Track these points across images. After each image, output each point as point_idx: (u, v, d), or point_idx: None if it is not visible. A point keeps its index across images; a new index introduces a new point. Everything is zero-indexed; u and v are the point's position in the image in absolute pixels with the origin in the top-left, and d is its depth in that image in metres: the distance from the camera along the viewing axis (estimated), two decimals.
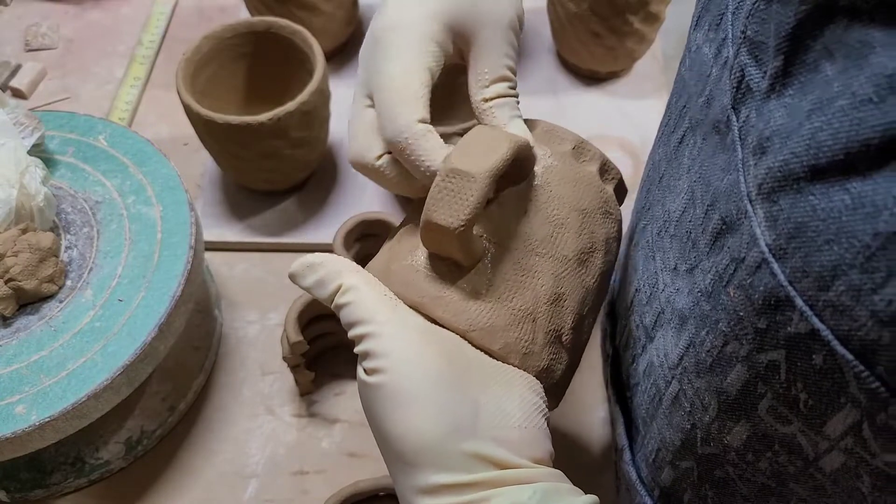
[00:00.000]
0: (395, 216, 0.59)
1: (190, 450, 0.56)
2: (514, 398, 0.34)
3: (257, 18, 0.65)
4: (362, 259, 0.60)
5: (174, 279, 0.50)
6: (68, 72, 0.79)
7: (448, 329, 0.35)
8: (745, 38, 0.28)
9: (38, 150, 0.56)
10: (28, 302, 0.49)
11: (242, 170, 0.64)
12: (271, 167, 0.63)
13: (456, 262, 0.35)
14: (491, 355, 0.35)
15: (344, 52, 0.79)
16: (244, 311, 0.62)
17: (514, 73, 0.39)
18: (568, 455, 0.55)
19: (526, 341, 0.35)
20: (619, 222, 0.41)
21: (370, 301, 0.33)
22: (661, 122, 0.42)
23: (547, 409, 0.35)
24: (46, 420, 0.44)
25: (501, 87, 0.38)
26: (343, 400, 0.58)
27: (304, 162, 0.65)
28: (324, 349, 0.59)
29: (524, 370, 0.35)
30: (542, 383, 0.36)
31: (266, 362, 0.59)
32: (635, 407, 0.43)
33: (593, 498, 0.33)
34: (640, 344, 0.42)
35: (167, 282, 0.50)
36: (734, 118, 0.29)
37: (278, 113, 0.58)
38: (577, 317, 0.37)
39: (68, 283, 0.50)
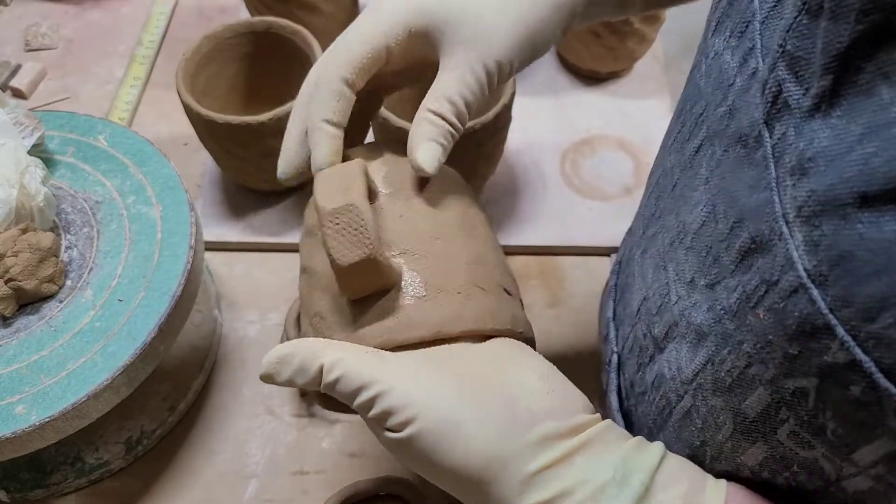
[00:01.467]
0: None
1: (190, 450, 0.56)
2: (527, 371, 0.34)
3: (257, 18, 0.65)
4: None
5: (174, 279, 0.50)
6: (68, 72, 0.79)
7: (422, 344, 0.35)
8: (783, 52, 0.27)
9: (38, 150, 0.56)
10: (28, 302, 0.49)
11: (242, 170, 0.64)
12: (271, 167, 0.63)
13: (382, 290, 0.35)
14: (471, 338, 0.35)
15: None
16: (244, 311, 0.62)
17: (467, 109, 0.38)
18: None
19: (485, 306, 0.36)
20: (471, 193, 0.42)
21: (360, 366, 0.32)
22: (672, 128, 0.41)
23: (552, 364, 0.36)
24: (46, 420, 0.44)
25: (447, 109, 0.38)
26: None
27: None
28: None
29: (501, 330, 0.36)
30: (519, 332, 0.37)
31: None
32: (639, 415, 0.43)
33: (661, 444, 0.34)
34: (647, 353, 0.41)
35: (167, 282, 0.50)
36: (766, 134, 0.28)
37: (278, 113, 0.58)
38: (503, 267, 0.39)
39: (68, 283, 0.50)
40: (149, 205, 0.54)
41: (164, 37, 0.82)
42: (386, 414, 0.32)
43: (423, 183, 0.39)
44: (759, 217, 0.28)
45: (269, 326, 0.61)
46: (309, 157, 0.40)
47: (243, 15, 0.79)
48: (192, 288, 0.51)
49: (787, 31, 0.27)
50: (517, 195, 0.68)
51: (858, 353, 0.24)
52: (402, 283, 0.35)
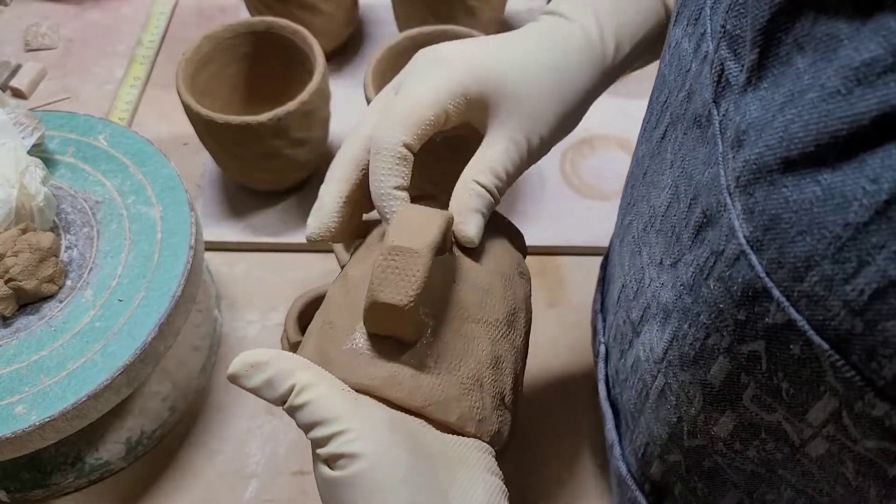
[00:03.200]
0: None
1: (190, 450, 0.56)
2: (479, 484, 0.33)
3: (257, 18, 0.65)
4: None
5: (174, 279, 0.50)
6: (68, 72, 0.79)
7: (402, 408, 0.34)
8: (724, 32, 0.29)
9: (38, 150, 0.56)
10: (28, 302, 0.49)
11: (242, 170, 0.64)
12: (271, 167, 0.63)
13: (398, 339, 0.35)
14: (447, 427, 0.35)
15: (344, 52, 0.79)
16: (244, 311, 0.62)
17: (508, 181, 0.40)
18: (560, 459, 0.55)
19: (477, 409, 0.35)
20: (530, 280, 0.43)
21: (330, 399, 0.32)
22: (644, 119, 0.42)
23: (506, 489, 0.35)
24: (46, 420, 0.44)
25: (492, 182, 0.39)
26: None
27: (304, 162, 0.65)
28: None
29: (479, 437, 0.35)
30: (494, 447, 0.36)
31: None
32: (624, 402, 0.43)
33: None
34: (626, 339, 0.42)
35: (167, 282, 0.50)
36: (715, 112, 0.29)
37: (278, 113, 0.58)
38: (514, 377, 0.38)
39: (68, 283, 0.50)
40: (149, 205, 0.54)
41: (164, 37, 0.82)
42: (334, 456, 0.31)
43: (498, 260, 0.39)
44: (709, 191, 0.29)
45: (270, 326, 0.61)
46: (341, 220, 0.41)
47: (243, 15, 0.79)
48: (192, 288, 0.51)
49: (727, 12, 0.28)
50: (517, 195, 0.68)
51: (793, 313, 0.25)
52: (420, 344, 0.35)
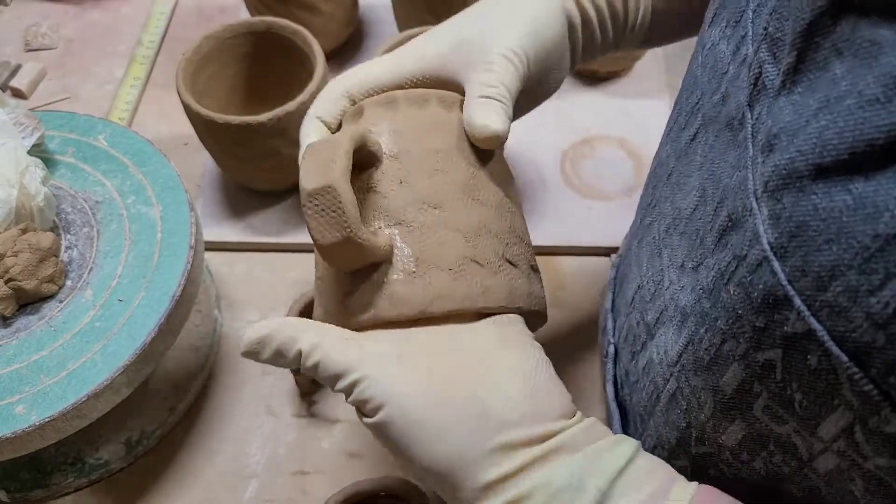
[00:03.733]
0: None
1: (190, 450, 0.56)
2: (508, 371, 0.33)
3: (257, 18, 0.65)
4: None
5: (174, 279, 0.50)
6: (68, 72, 0.79)
7: (409, 321, 0.34)
8: (766, 34, 0.28)
9: (38, 150, 0.56)
10: (28, 302, 0.49)
11: (242, 170, 0.64)
12: (271, 167, 0.63)
13: (373, 263, 0.35)
14: (463, 317, 0.35)
15: (344, 52, 0.79)
16: (244, 311, 0.62)
17: (510, 93, 0.39)
18: None
19: (477, 282, 0.35)
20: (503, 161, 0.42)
21: (336, 352, 0.33)
22: (670, 119, 0.42)
23: (545, 356, 0.35)
24: (46, 420, 0.44)
25: (495, 92, 0.38)
26: (343, 400, 0.58)
27: None
28: None
29: (495, 309, 0.35)
30: (522, 308, 0.36)
31: None
32: (633, 404, 0.43)
33: (634, 444, 0.33)
34: (640, 341, 0.42)
35: (167, 282, 0.50)
36: (748, 115, 0.29)
37: (278, 113, 0.58)
38: (508, 233, 0.38)
39: (68, 283, 0.50)
40: (149, 205, 0.54)
41: (164, 37, 0.82)
42: (360, 403, 0.32)
43: (436, 141, 0.38)
44: (736, 195, 0.29)
45: None
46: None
47: (243, 15, 0.79)
48: (192, 288, 0.51)
49: (770, 14, 0.28)
50: (517, 195, 0.68)
51: (813, 323, 0.25)
52: (394, 257, 0.35)
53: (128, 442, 0.54)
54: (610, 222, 0.66)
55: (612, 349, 0.48)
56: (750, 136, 0.29)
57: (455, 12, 0.69)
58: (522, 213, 0.41)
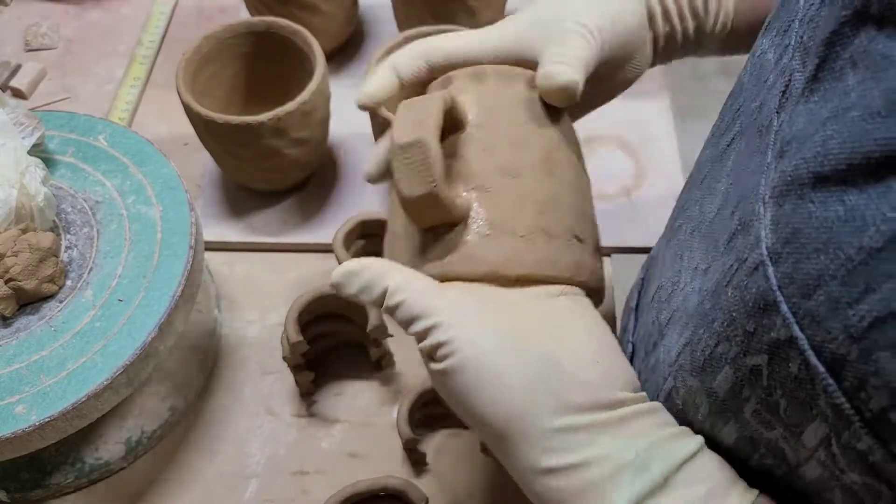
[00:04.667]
0: None
1: (190, 450, 0.56)
2: (579, 337, 0.34)
3: (257, 18, 0.65)
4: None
5: (174, 279, 0.50)
6: (68, 72, 0.79)
7: (482, 282, 0.36)
8: (800, 42, 0.29)
9: (38, 150, 0.56)
10: (28, 302, 0.49)
11: (242, 170, 0.64)
12: (271, 167, 0.63)
13: (450, 223, 0.36)
14: (526, 282, 0.36)
15: (344, 52, 0.79)
16: (244, 311, 0.62)
17: (585, 65, 0.40)
18: None
19: (548, 252, 0.36)
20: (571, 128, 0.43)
21: (420, 295, 0.34)
22: (715, 125, 0.42)
23: (608, 329, 0.36)
24: (46, 420, 0.44)
25: (569, 58, 0.39)
26: (343, 400, 0.58)
27: (304, 162, 0.65)
28: (324, 349, 0.59)
29: (560, 280, 0.36)
30: (586, 283, 0.37)
31: (266, 362, 0.59)
32: None
33: (699, 439, 0.33)
34: (652, 341, 0.42)
35: (167, 282, 0.50)
36: (775, 121, 0.29)
37: (278, 113, 0.58)
38: (578, 211, 0.39)
39: (68, 283, 0.50)
40: (149, 205, 0.54)
41: (163, 37, 0.82)
42: (434, 346, 0.33)
43: (520, 116, 0.39)
44: (749, 200, 0.29)
45: (269, 326, 0.61)
46: (393, 88, 0.43)
47: (243, 15, 0.79)
48: (192, 288, 0.51)
49: (807, 23, 0.28)
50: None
51: (795, 330, 0.25)
52: (470, 219, 0.36)
53: (128, 442, 0.54)
54: (610, 222, 0.66)
55: (630, 348, 0.48)
56: (772, 142, 0.29)
57: (455, 12, 0.69)
58: (591, 197, 0.42)
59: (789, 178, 0.26)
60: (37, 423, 0.44)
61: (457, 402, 0.33)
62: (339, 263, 0.55)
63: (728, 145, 0.36)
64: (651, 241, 0.60)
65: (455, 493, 0.53)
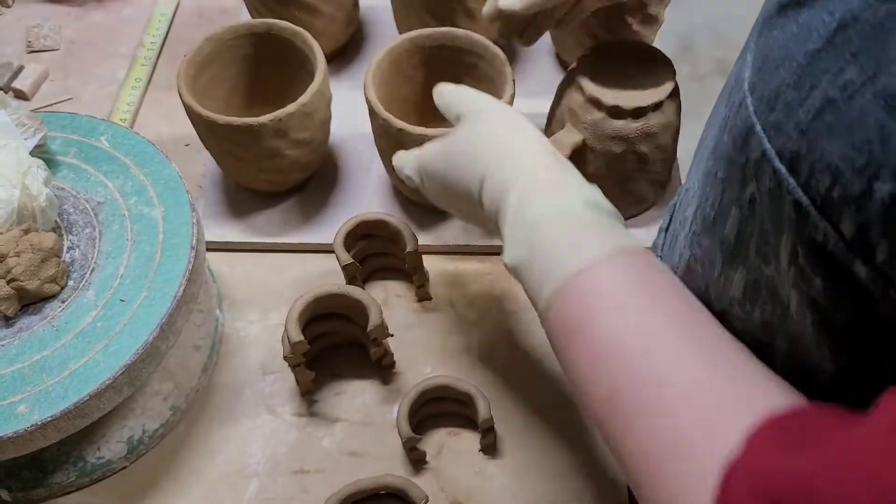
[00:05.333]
0: (394, 216, 0.59)
1: (191, 449, 0.56)
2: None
3: (258, 20, 0.65)
4: (362, 259, 0.60)
5: (176, 279, 0.50)
6: (70, 73, 0.79)
7: None
8: None
9: (41, 151, 0.56)
10: (30, 302, 0.50)
11: (243, 170, 0.65)
12: (272, 168, 0.63)
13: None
14: None
15: (344, 53, 0.79)
16: (245, 311, 0.63)
17: None
18: (561, 456, 0.55)
19: None
20: None
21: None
22: (715, 104, 0.46)
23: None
24: (48, 419, 0.44)
25: None
26: (343, 399, 0.58)
27: (304, 163, 0.65)
28: (324, 349, 0.59)
29: None
30: None
31: (267, 362, 0.60)
32: None
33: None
34: (676, 237, 0.45)
35: (169, 282, 0.50)
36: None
37: (279, 114, 0.58)
38: None
39: (70, 283, 0.51)
40: (150, 205, 0.54)
41: (165, 38, 0.83)
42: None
43: None
44: (741, 60, 0.33)
45: (270, 326, 0.62)
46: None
47: (244, 17, 0.79)
48: (193, 288, 0.51)
49: None
50: None
51: (765, 143, 0.28)
52: None
53: (129, 441, 0.54)
54: None
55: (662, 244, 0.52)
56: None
57: (455, 14, 0.69)
58: None
59: (764, 17, 0.30)
60: (39, 423, 0.44)
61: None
62: (340, 263, 0.56)
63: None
64: (649, 240, 0.60)
65: (455, 493, 0.53)
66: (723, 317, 0.36)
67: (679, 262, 0.42)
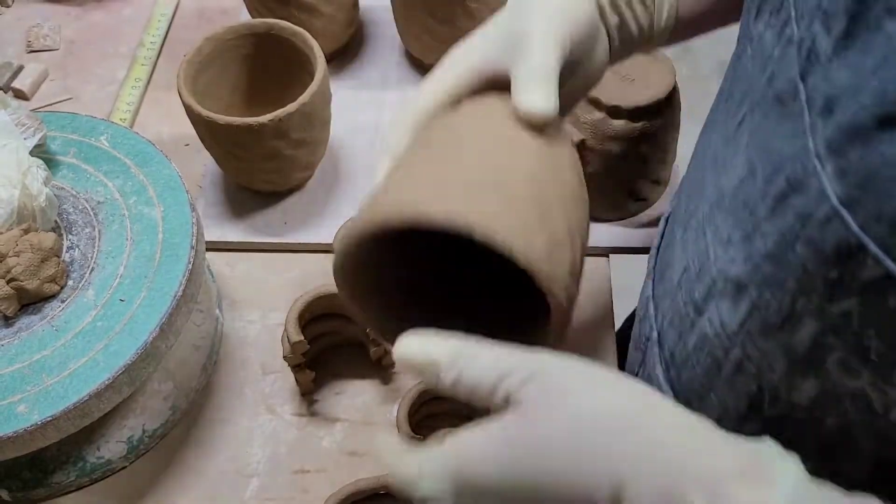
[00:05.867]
0: None
1: (191, 449, 0.56)
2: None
3: (258, 20, 0.65)
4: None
5: (176, 279, 0.50)
6: (70, 73, 0.79)
7: None
8: (819, 9, 0.30)
9: (40, 151, 0.56)
10: (30, 302, 0.50)
11: (243, 170, 0.65)
12: (272, 168, 0.63)
13: None
14: None
15: (344, 53, 0.79)
16: (245, 311, 0.63)
17: (549, 68, 0.39)
18: None
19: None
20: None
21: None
22: (713, 111, 0.44)
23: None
24: (48, 419, 0.44)
25: (535, 73, 0.39)
26: (343, 399, 0.58)
27: (304, 163, 0.65)
28: (324, 349, 0.59)
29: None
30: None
31: (267, 362, 0.60)
32: (684, 383, 0.44)
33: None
34: (688, 320, 0.43)
35: (169, 282, 0.50)
36: (801, 87, 0.30)
37: (279, 114, 0.58)
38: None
39: (70, 283, 0.51)
40: (150, 205, 0.54)
41: (165, 38, 0.83)
42: None
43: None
44: (794, 161, 0.30)
45: (270, 326, 0.62)
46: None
47: (244, 17, 0.79)
48: (193, 288, 0.51)
49: None
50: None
51: (891, 265, 0.26)
52: None
53: (129, 441, 0.54)
54: (608, 223, 0.67)
55: (655, 335, 0.49)
56: (805, 106, 0.30)
57: (455, 14, 0.69)
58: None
59: (848, 128, 0.27)
60: (39, 423, 0.44)
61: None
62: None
63: (739, 124, 0.37)
64: (648, 240, 0.60)
65: None
66: (778, 421, 0.35)
67: (720, 360, 0.38)
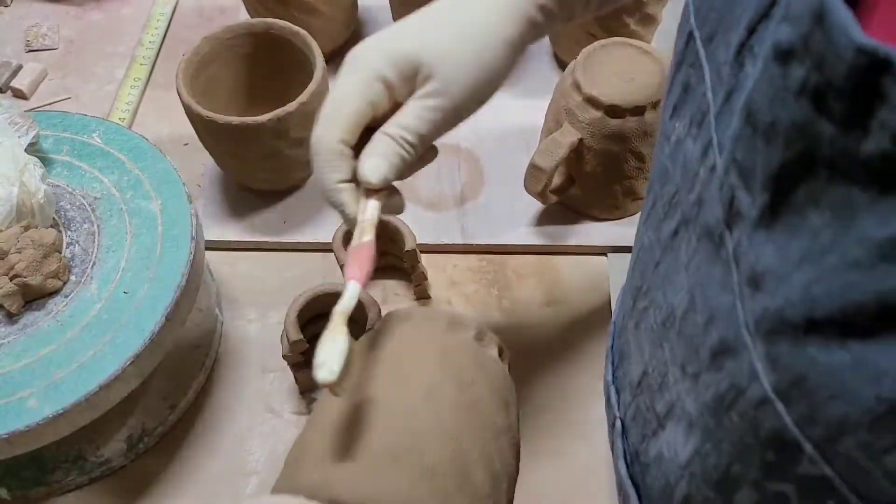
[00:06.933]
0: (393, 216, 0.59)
1: (191, 447, 0.56)
2: None
3: (257, 20, 0.65)
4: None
5: (178, 270, 0.50)
6: (69, 72, 0.80)
7: None
8: (733, 159, 0.27)
9: (34, 150, 0.56)
10: (33, 298, 0.50)
11: (243, 170, 0.65)
12: (271, 167, 0.64)
13: None
14: None
15: (343, 53, 0.78)
16: (244, 310, 0.63)
17: (421, 140, 0.40)
18: (559, 456, 0.55)
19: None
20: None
21: None
22: (646, 202, 0.40)
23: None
24: (60, 412, 0.44)
25: (397, 133, 0.39)
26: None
27: (304, 162, 0.65)
28: None
29: None
30: None
31: (266, 361, 0.60)
32: (647, 486, 0.42)
33: None
34: (650, 426, 0.40)
35: (171, 272, 0.50)
36: (728, 237, 0.28)
37: (278, 113, 0.59)
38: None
39: (72, 278, 0.51)
40: (147, 199, 0.54)
41: (164, 38, 0.83)
42: None
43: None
44: (727, 320, 0.27)
45: (270, 325, 0.62)
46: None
47: (243, 16, 0.79)
48: (195, 278, 0.52)
49: (736, 141, 0.26)
50: (514, 194, 0.68)
51: (828, 471, 0.24)
52: None
53: (129, 439, 0.55)
54: (607, 222, 0.67)
55: (619, 424, 0.46)
56: (732, 260, 0.27)
57: None
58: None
59: (776, 319, 0.24)
60: (50, 416, 0.44)
61: None
62: (339, 263, 0.56)
63: (674, 234, 0.34)
64: None
65: None
66: None
67: (672, 486, 0.37)
